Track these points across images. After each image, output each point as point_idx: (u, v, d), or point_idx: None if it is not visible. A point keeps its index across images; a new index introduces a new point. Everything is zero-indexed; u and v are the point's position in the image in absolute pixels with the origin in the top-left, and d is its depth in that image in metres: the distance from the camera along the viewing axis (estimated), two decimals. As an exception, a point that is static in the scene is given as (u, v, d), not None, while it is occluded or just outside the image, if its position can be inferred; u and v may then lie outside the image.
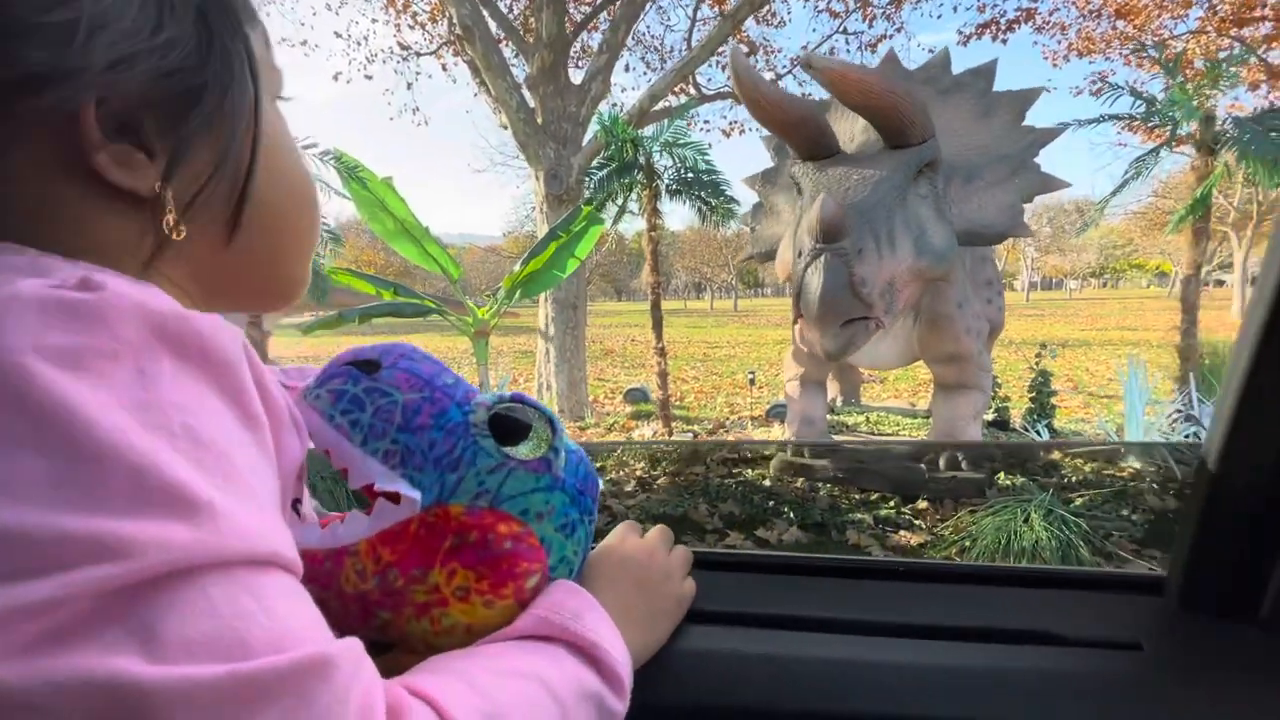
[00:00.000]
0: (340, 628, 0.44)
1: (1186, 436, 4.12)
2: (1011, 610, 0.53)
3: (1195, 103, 4.90)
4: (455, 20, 5.90)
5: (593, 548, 0.50)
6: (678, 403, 6.31)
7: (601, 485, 0.49)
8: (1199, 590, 0.50)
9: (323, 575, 0.40)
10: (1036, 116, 3.20)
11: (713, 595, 0.55)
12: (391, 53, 9.51)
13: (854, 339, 2.52)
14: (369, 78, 10.25)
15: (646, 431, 5.11)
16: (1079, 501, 2.65)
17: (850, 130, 3.17)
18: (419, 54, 9.54)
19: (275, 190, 0.37)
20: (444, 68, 9.63)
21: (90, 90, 0.27)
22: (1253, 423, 0.45)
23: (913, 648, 0.49)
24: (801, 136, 2.77)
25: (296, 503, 0.40)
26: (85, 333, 0.23)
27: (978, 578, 0.58)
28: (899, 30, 9.35)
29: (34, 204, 0.29)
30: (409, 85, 10.29)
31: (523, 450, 0.43)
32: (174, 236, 0.32)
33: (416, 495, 0.39)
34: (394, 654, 0.43)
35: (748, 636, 0.51)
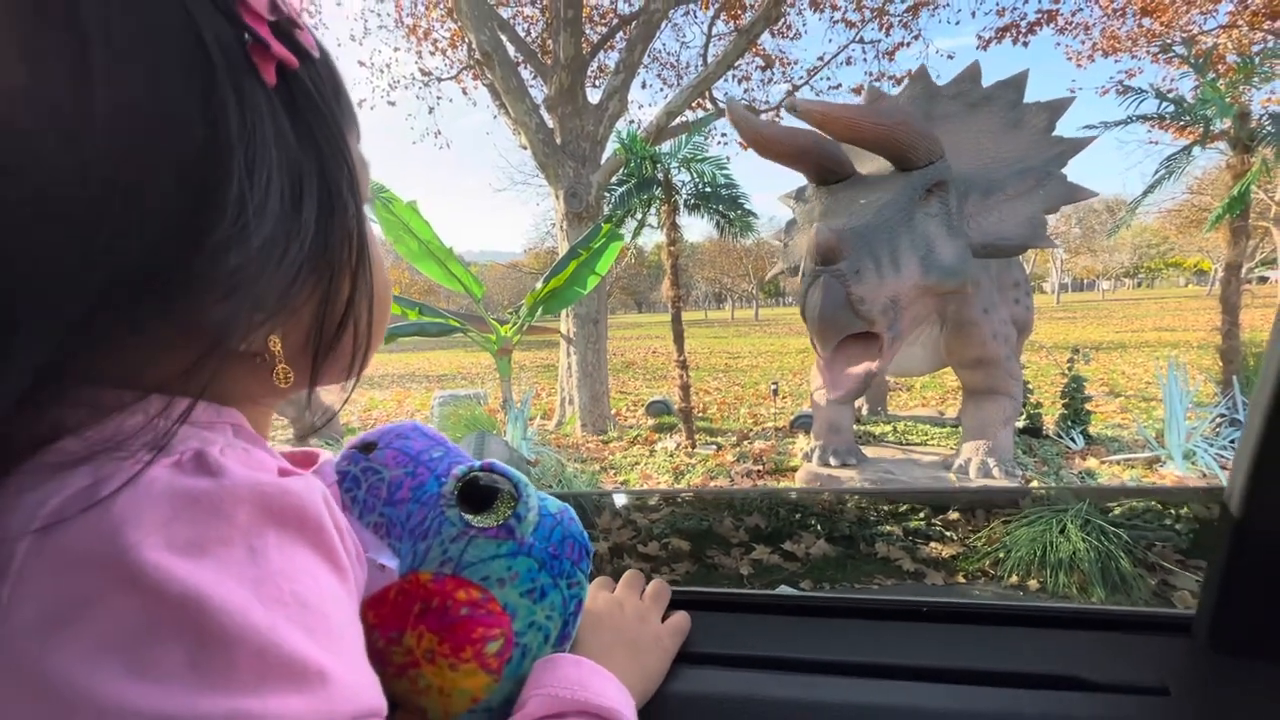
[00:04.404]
0: None
1: (1231, 441, 3.97)
2: (1032, 652, 0.51)
3: (1228, 99, 4.77)
4: (474, 46, 6.04)
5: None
6: (700, 414, 6.28)
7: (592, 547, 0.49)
8: (1229, 631, 0.48)
9: None
10: (1065, 115, 3.18)
11: (713, 637, 0.54)
12: (413, 79, 9.77)
13: (858, 381, 2.67)
14: (392, 104, 10.55)
15: (670, 444, 5.10)
16: (1118, 510, 2.57)
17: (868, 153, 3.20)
18: (440, 79, 9.78)
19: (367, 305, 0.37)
20: (464, 91, 9.88)
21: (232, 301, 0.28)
22: None
23: (927, 692, 0.47)
24: (809, 165, 2.93)
25: None
26: (206, 524, 0.25)
27: (998, 617, 0.56)
28: (916, 38, 9.21)
29: (158, 362, 0.29)
30: (430, 110, 10.63)
31: (485, 518, 0.44)
32: (282, 384, 0.33)
33: (393, 564, 0.43)
34: (397, 715, 0.45)
35: (748, 679, 0.50)
